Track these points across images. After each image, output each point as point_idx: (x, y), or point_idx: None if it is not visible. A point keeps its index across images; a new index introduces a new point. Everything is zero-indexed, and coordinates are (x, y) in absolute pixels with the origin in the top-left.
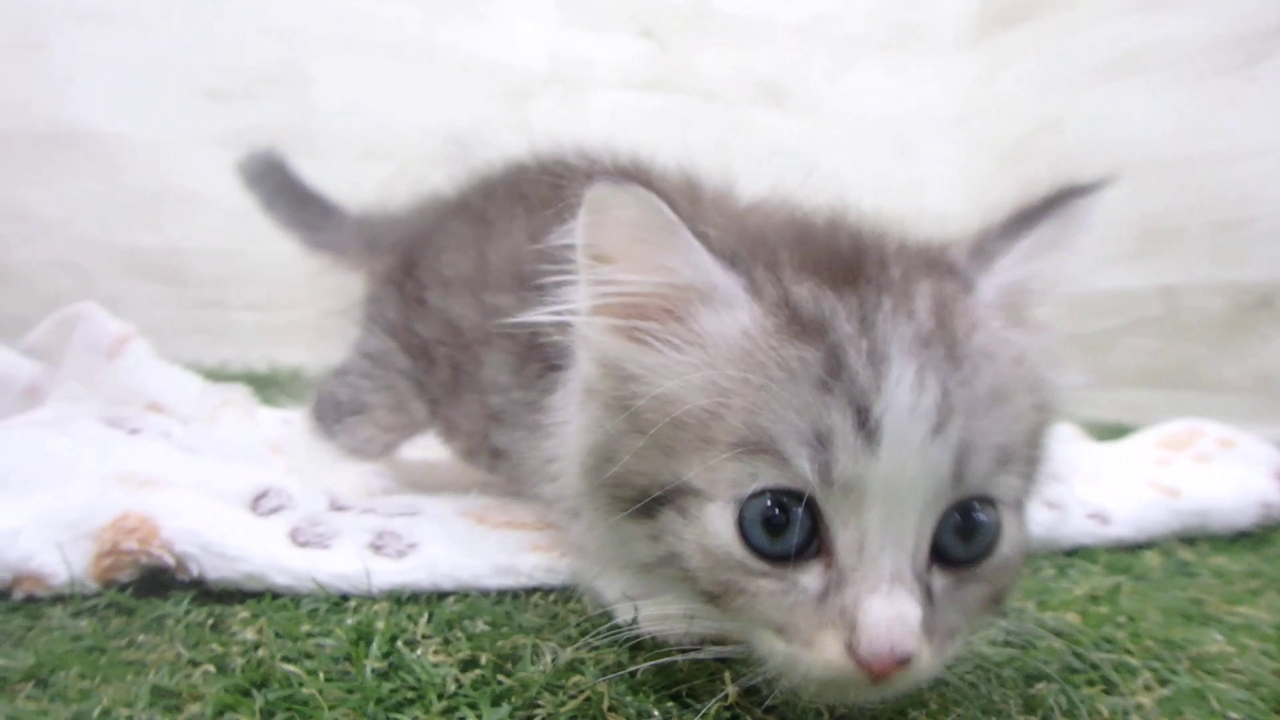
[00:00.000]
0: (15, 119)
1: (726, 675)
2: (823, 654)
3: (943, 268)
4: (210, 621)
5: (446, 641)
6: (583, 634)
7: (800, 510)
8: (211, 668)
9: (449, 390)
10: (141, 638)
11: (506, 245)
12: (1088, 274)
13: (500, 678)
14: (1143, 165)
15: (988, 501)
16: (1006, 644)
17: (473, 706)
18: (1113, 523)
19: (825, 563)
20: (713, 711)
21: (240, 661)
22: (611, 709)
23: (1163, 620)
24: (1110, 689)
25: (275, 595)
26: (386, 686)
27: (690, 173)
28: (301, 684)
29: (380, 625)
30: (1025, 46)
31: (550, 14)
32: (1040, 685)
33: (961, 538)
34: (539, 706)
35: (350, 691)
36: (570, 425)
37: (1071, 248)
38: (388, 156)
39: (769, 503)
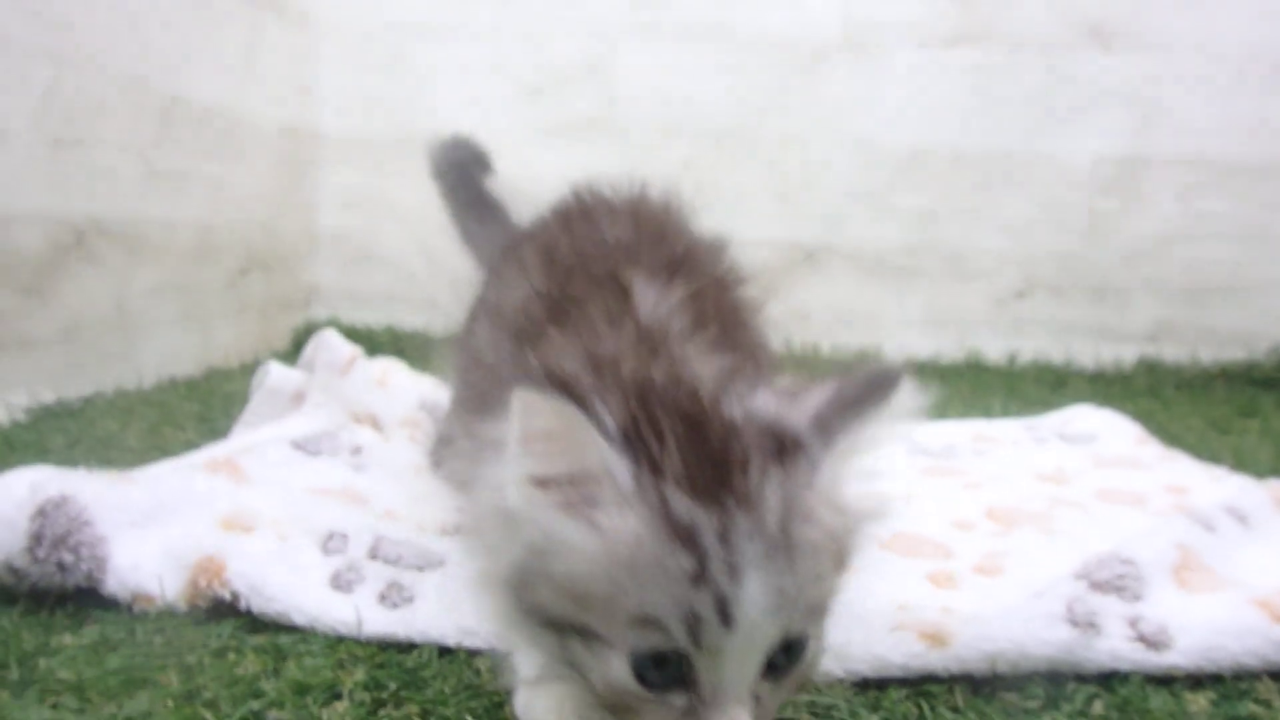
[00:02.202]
0: (385, 125)
1: None
2: None
3: (792, 448)
4: (233, 644)
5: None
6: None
7: (676, 659)
8: (179, 687)
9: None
10: (187, 652)
11: (512, 295)
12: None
13: None
14: None
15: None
16: None
17: None
18: (1172, 648)
19: (690, 690)
20: None
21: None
22: None
23: None
24: None
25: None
26: None
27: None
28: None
29: (324, 678)
30: None
31: None
32: None
33: (784, 657)
34: None
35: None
36: (487, 526)
37: (882, 435)
38: (685, 135)
39: (655, 655)
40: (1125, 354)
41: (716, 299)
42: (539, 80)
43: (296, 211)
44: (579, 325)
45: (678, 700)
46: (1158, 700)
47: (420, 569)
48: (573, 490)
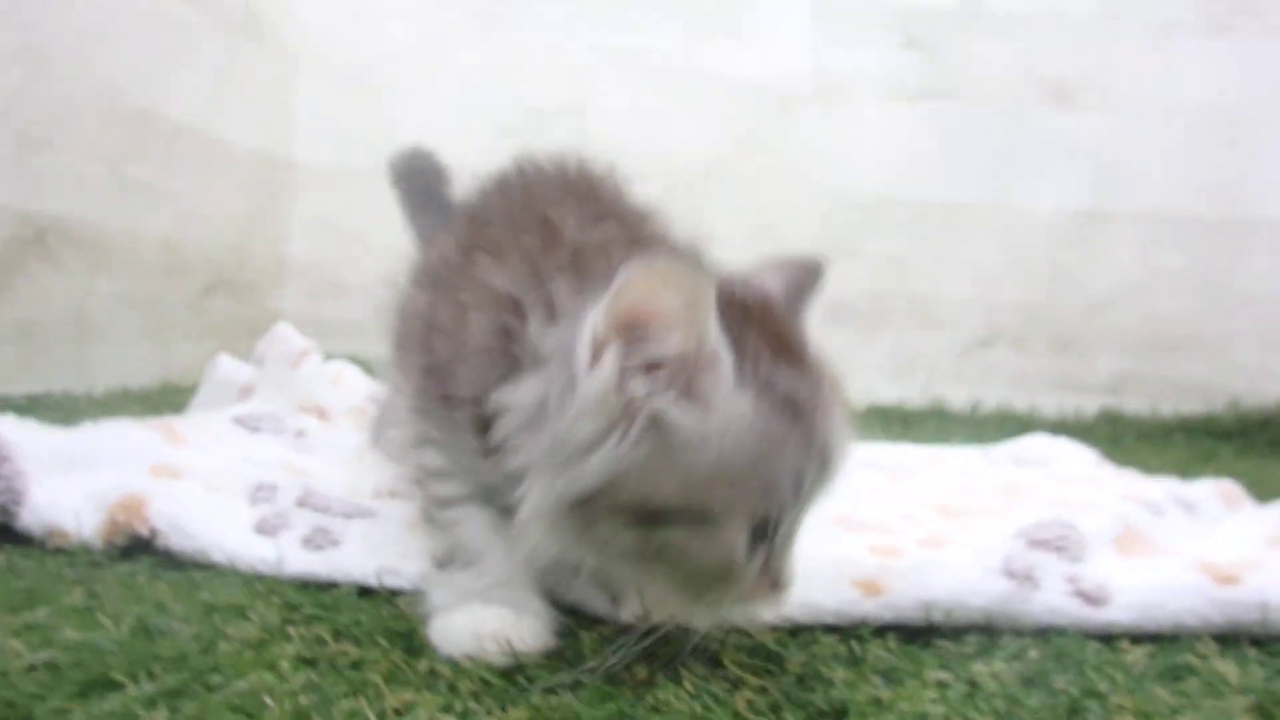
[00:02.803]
0: (359, 157)
1: None
2: (758, 596)
3: (798, 315)
4: (146, 576)
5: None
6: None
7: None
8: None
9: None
10: (96, 581)
11: (436, 251)
12: None
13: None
14: None
15: None
16: None
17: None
18: (1109, 604)
19: (767, 544)
20: None
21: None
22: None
23: None
24: None
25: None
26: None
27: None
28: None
29: (234, 600)
30: None
31: (808, 29)
32: None
33: None
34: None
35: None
36: (545, 435)
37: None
38: (658, 176)
39: (753, 525)
40: (1087, 405)
41: (646, 239)
42: (516, 119)
43: (266, 237)
44: (509, 252)
45: (760, 556)
46: (1094, 651)
47: (348, 517)
48: (675, 374)
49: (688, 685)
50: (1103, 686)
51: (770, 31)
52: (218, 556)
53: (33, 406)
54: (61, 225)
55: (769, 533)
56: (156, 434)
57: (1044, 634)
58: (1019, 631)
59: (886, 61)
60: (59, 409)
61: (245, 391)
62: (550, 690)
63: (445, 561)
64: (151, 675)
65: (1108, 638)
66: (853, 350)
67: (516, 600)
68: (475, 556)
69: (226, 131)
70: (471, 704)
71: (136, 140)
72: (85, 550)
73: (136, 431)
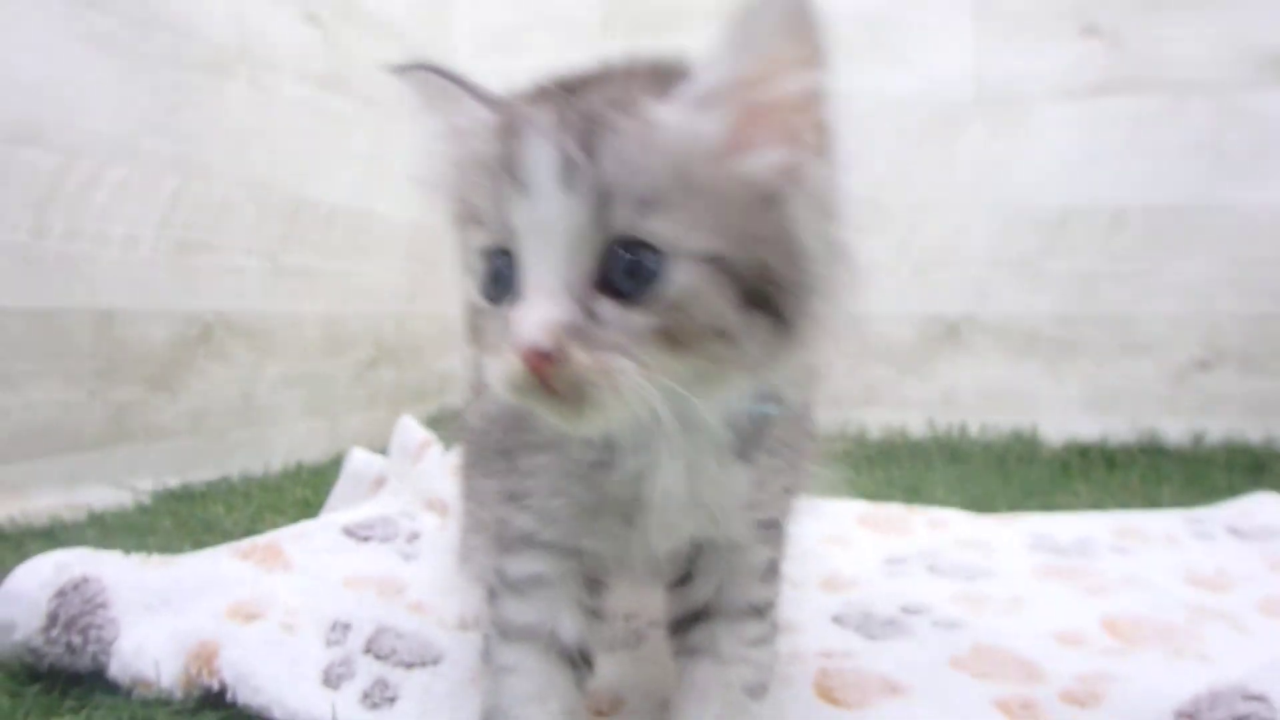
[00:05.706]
0: None
1: None
2: (503, 360)
3: (658, 78)
4: None
5: None
6: None
7: (505, 261)
8: None
9: None
10: None
11: None
12: None
13: None
14: None
15: (648, 247)
16: None
17: None
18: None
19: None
20: None
21: None
22: None
23: None
24: None
25: None
26: None
27: None
28: None
29: None
30: None
31: (968, 33)
32: None
33: (627, 274)
34: None
35: None
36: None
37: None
38: None
39: (487, 260)
40: None
41: None
42: None
43: (428, 301)
44: None
45: (508, 309)
46: None
47: (409, 666)
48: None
49: None
50: None
51: (925, 40)
52: (278, 714)
53: (211, 492)
54: (225, 319)
55: (510, 273)
56: (250, 564)
57: None
58: None
59: (1059, 54)
60: (232, 495)
61: (377, 484)
62: None
63: None
64: None
65: None
66: (1041, 383)
67: None
68: None
69: (382, 208)
70: None
71: (293, 228)
72: (164, 702)
73: (228, 564)
